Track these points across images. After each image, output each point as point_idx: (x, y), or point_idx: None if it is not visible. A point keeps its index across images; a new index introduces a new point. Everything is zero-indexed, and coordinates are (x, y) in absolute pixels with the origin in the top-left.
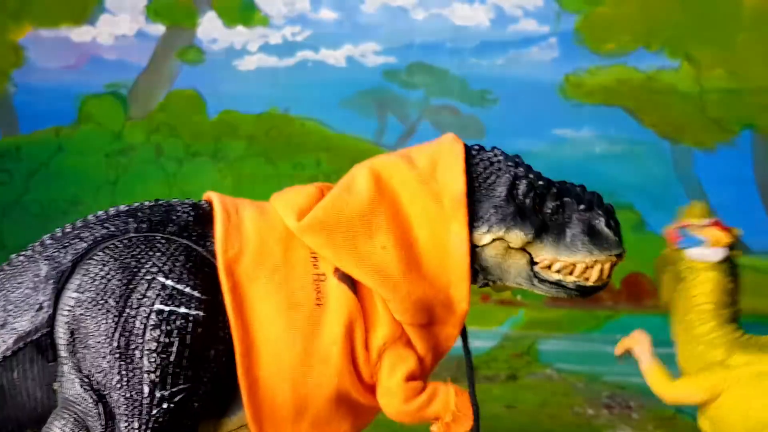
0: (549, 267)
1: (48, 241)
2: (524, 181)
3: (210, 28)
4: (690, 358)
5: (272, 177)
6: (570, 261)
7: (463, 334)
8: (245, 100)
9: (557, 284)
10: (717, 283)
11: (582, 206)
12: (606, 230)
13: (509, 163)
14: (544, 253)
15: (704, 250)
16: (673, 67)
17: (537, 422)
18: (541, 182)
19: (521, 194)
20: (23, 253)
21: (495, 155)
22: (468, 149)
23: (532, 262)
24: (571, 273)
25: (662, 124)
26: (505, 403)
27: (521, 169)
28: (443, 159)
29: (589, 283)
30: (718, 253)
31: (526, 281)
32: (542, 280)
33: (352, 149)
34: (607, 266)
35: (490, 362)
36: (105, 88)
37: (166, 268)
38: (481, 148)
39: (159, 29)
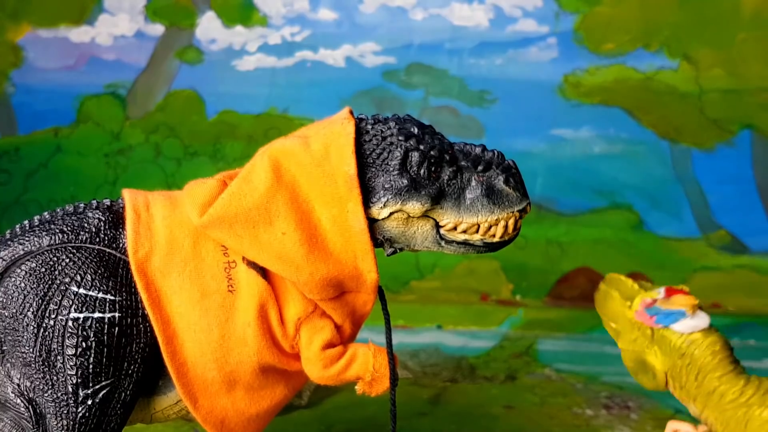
0: (454, 229)
1: None
2: (416, 153)
3: (209, 28)
4: (738, 427)
5: None
6: (473, 222)
7: (381, 297)
8: (244, 100)
9: (464, 244)
10: (722, 343)
11: (480, 167)
12: (505, 188)
13: (401, 137)
14: (446, 218)
15: (691, 320)
16: (672, 68)
17: (536, 422)
18: (433, 152)
19: (414, 166)
20: None
21: (388, 128)
22: (360, 126)
23: (438, 226)
24: (476, 232)
25: (661, 124)
26: (504, 403)
27: (412, 141)
28: (335, 140)
29: (496, 239)
30: (705, 318)
31: (434, 244)
32: (449, 242)
33: None
34: (511, 222)
35: (489, 362)
36: (104, 89)
37: (78, 277)
38: (376, 122)
39: (158, 29)
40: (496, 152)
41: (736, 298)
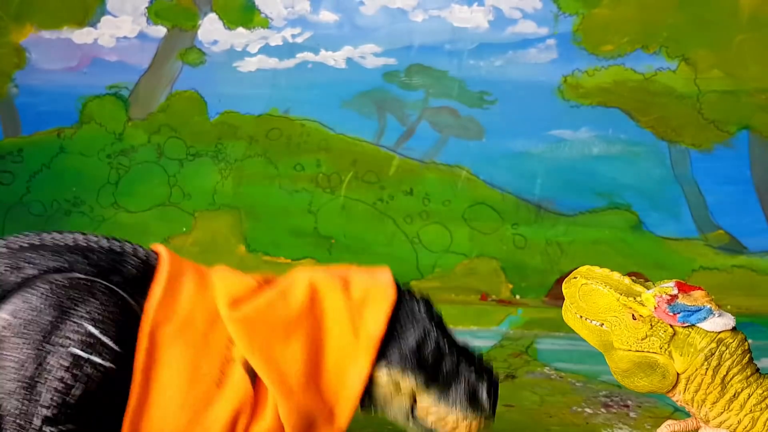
0: (426, 414)
1: (5, 251)
2: (432, 339)
3: (211, 29)
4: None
5: (273, 177)
6: (444, 414)
7: None
8: (246, 101)
9: (429, 430)
10: (748, 342)
11: (472, 372)
12: (484, 398)
13: (426, 319)
14: (425, 402)
15: (720, 319)
16: (671, 69)
17: (535, 421)
18: (446, 344)
19: (426, 349)
20: None
21: (418, 307)
22: (400, 295)
23: (414, 406)
24: (442, 424)
25: (660, 125)
26: (504, 402)
27: (434, 327)
28: (374, 299)
29: None
30: (730, 316)
31: (404, 419)
32: (417, 423)
33: (352, 150)
34: (474, 426)
35: (489, 361)
36: (106, 90)
37: (97, 316)
38: (412, 297)
39: (160, 31)
40: (490, 364)
41: (734, 298)
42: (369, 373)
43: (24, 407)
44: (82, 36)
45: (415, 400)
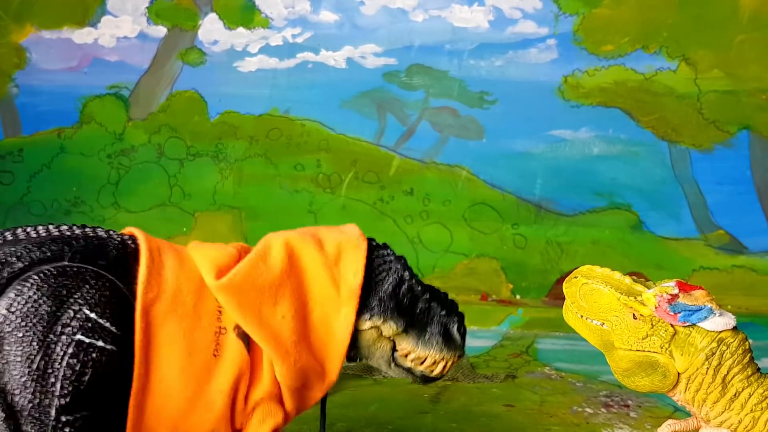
0: (405, 356)
1: None
2: (406, 283)
3: (211, 29)
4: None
5: (273, 177)
6: (424, 355)
7: (323, 399)
8: (246, 101)
9: (408, 370)
10: (747, 344)
11: (443, 311)
12: (456, 334)
13: (398, 266)
14: (405, 344)
15: (721, 318)
16: (671, 69)
17: (536, 421)
18: (419, 287)
19: (402, 294)
20: None
21: (388, 254)
22: (371, 245)
23: (394, 350)
24: (421, 364)
25: (660, 125)
26: (504, 402)
27: (407, 272)
28: (348, 251)
29: (433, 375)
30: (731, 315)
31: (385, 364)
32: (397, 365)
33: (353, 150)
34: (450, 363)
35: (490, 361)
36: (107, 90)
37: (92, 301)
38: (379, 246)
39: (160, 31)
40: (454, 302)
41: (734, 297)
42: (353, 323)
43: (38, 399)
44: (82, 36)
45: (394, 345)
